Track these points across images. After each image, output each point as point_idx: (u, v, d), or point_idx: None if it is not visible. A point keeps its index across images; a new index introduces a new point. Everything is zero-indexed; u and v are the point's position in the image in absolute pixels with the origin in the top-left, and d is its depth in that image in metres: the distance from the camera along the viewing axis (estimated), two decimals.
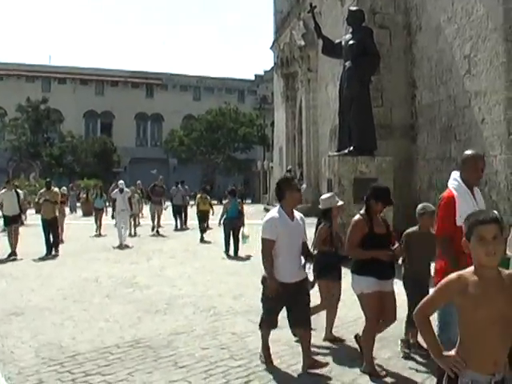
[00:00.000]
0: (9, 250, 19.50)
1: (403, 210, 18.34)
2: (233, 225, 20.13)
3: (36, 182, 40.87)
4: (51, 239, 20.22)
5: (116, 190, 24.54)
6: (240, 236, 19.72)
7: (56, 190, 22.08)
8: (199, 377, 7.53)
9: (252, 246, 21.19)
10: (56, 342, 9.11)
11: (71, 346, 8.86)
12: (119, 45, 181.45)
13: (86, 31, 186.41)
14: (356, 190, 16.92)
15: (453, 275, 3.82)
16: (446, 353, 3.85)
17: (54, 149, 71.09)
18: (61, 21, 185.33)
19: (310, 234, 9.05)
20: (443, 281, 3.84)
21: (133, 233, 27.20)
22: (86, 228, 29.04)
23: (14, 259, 18.96)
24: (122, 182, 25.29)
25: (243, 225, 20.06)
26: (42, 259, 18.93)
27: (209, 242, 23.46)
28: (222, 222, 20.25)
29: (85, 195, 43.23)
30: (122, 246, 22.11)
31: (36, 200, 22.36)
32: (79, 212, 43.64)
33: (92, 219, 29.50)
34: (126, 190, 24.64)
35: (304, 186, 37.94)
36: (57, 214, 21.03)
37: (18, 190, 21.63)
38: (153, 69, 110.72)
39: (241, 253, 19.82)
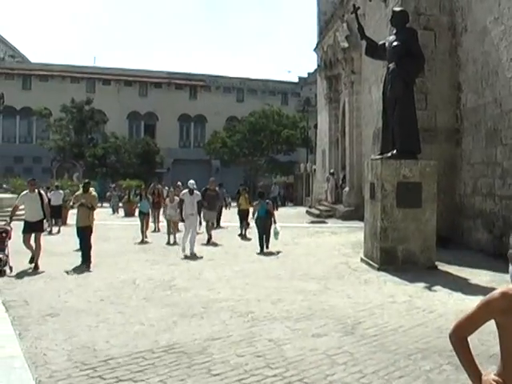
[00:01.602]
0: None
1: (446, 215, 18.04)
2: (263, 223, 21.72)
3: (79, 182, 40.99)
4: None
5: (185, 191, 21.57)
6: (272, 233, 21.54)
7: (94, 193, 19.26)
8: None
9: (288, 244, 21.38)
10: (90, 345, 9.01)
11: (104, 350, 8.74)
12: (162, 46, 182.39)
13: (129, 33, 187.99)
14: (399, 194, 16.67)
15: (496, 292, 3.48)
16: (486, 376, 3.50)
17: (97, 149, 71.43)
18: (105, 23, 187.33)
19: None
20: (485, 297, 3.52)
21: (172, 241, 24.32)
22: (127, 228, 29.07)
23: (36, 272, 16.26)
24: (192, 181, 21.88)
25: (274, 222, 21.79)
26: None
27: (249, 239, 24.28)
28: (254, 221, 22.23)
29: (127, 196, 43.47)
30: (192, 256, 19.67)
31: (71, 203, 20.06)
32: (121, 212, 43.85)
33: (134, 220, 29.60)
34: (196, 192, 21.45)
35: (347, 189, 37.71)
36: (92, 221, 18.47)
37: (42, 192, 18.88)
38: (195, 70, 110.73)
39: (272, 248, 21.32)
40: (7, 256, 16.02)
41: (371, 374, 7.74)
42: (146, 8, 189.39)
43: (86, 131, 72.65)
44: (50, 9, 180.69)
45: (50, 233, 25.98)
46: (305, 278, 15.02)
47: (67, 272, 16.31)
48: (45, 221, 18.06)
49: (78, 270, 16.72)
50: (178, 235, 23.91)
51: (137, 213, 31.89)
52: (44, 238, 18.64)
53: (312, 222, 34.15)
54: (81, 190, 19.07)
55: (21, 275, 15.58)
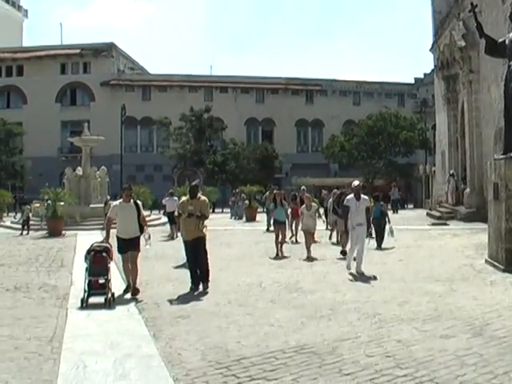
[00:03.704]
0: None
1: None
2: (377, 224, 22.63)
3: (200, 189, 41.81)
4: (196, 270, 14.95)
5: (350, 196, 17.31)
6: (386, 232, 22.38)
7: (204, 198, 15.62)
8: None
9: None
10: (222, 345, 9.37)
11: (237, 350, 9.07)
12: (276, 52, 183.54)
13: (244, 41, 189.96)
14: None
15: None
16: None
17: (217, 156, 72.44)
18: (221, 32, 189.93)
19: None
20: None
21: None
22: (249, 233, 29.38)
23: (134, 298, 13.73)
24: (357, 182, 17.90)
25: (389, 222, 22.73)
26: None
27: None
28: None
29: (247, 201, 44.02)
30: (360, 275, 16.22)
31: (176, 213, 15.82)
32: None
33: (255, 224, 30.00)
34: (363, 196, 17.46)
35: (467, 190, 37.16)
36: (205, 232, 15.21)
37: (138, 202, 15.26)
38: (311, 75, 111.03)
39: (394, 250, 21.82)
40: (109, 281, 13.11)
41: (502, 374, 7.74)
42: (261, 15, 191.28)
43: (205, 139, 73.75)
44: (166, 22, 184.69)
45: (172, 238, 26.77)
46: (429, 279, 14.97)
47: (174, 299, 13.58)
48: (142, 237, 14.86)
49: (188, 296, 13.94)
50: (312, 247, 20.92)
51: (258, 217, 32.43)
52: (169, 245, 18.84)
53: (433, 224, 33.78)
54: (187, 196, 15.79)
55: (150, 279, 15.93)
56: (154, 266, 17.52)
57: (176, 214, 15.83)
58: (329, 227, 26.58)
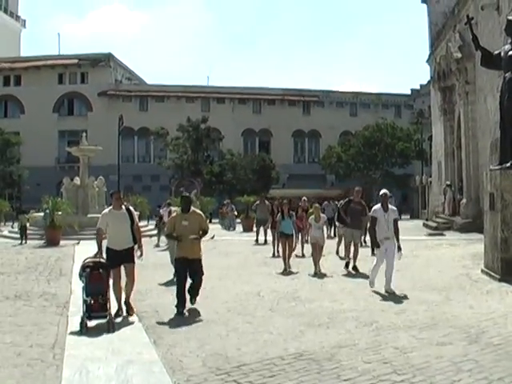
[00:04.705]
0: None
1: None
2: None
3: (197, 199, 41.90)
4: (185, 290, 13.25)
5: (377, 206, 15.81)
6: None
7: (199, 211, 14.07)
8: None
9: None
10: (222, 352, 9.50)
11: (236, 357, 9.20)
12: (272, 63, 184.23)
13: (240, 52, 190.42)
14: None
15: None
16: None
17: (214, 166, 72.75)
18: (217, 43, 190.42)
19: None
20: None
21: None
22: (246, 243, 29.45)
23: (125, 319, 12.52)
24: (385, 191, 16.06)
25: None
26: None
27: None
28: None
29: (236, 212, 44.59)
30: (390, 293, 14.76)
31: (166, 231, 14.18)
32: (238, 228, 44.56)
33: (252, 234, 30.16)
34: (392, 207, 16.01)
35: (464, 200, 37.37)
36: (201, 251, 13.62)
37: (131, 208, 13.56)
38: (308, 86, 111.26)
39: None
40: (108, 300, 11.70)
41: (497, 380, 7.89)
42: (258, 26, 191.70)
43: (202, 149, 74.02)
44: (162, 32, 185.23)
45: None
46: (426, 289, 15.10)
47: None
48: (136, 247, 13.11)
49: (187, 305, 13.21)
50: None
51: (255, 228, 32.45)
52: (166, 254, 18.57)
53: (430, 235, 33.97)
54: (177, 209, 14.59)
55: (149, 288, 16.07)
56: (153, 276, 17.62)
57: (166, 232, 14.16)
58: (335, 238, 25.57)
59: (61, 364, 8.94)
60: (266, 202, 33.02)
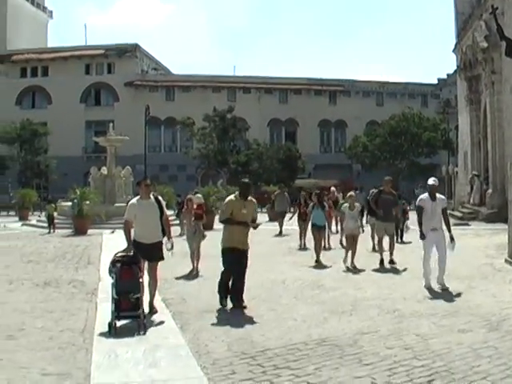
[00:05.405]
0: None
1: None
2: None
3: (224, 189, 41.93)
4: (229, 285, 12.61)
5: (424, 196, 14.88)
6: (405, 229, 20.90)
7: (253, 199, 12.94)
8: (383, 374, 7.86)
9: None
10: (247, 337, 9.78)
11: (261, 342, 9.46)
12: (299, 53, 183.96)
13: (267, 41, 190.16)
14: None
15: None
16: None
17: (240, 156, 72.75)
18: (245, 33, 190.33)
19: None
20: None
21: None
22: (272, 232, 29.52)
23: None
24: (433, 180, 15.10)
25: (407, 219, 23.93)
26: None
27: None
28: None
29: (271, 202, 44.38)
30: (443, 291, 13.90)
31: (223, 217, 12.77)
32: (263, 217, 44.61)
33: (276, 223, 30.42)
34: (440, 196, 15.01)
35: (490, 191, 37.25)
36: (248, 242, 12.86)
37: (160, 198, 12.60)
38: (334, 75, 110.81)
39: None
40: (140, 298, 10.70)
41: None
42: (283, 15, 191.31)
43: (228, 139, 74.11)
44: (188, 22, 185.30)
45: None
46: (449, 277, 15.04)
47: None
48: (164, 240, 12.24)
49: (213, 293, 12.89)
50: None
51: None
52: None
53: (455, 225, 33.85)
54: (232, 196, 12.91)
55: (176, 276, 16.36)
56: (179, 264, 17.82)
57: (223, 218, 12.71)
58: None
59: (90, 348, 9.24)
60: (286, 193, 33.05)
